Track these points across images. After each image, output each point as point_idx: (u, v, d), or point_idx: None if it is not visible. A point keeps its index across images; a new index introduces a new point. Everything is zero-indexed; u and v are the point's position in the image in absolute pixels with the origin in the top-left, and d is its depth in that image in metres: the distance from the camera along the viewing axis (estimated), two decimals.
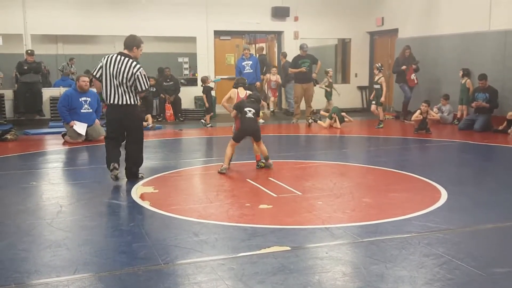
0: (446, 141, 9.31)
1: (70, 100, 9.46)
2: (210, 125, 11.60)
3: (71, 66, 15.31)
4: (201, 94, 13.71)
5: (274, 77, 13.20)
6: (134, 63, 5.94)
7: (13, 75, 13.41)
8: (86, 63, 14.48)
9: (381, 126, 11.06)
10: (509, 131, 9.60)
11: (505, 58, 10.62)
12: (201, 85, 12.10)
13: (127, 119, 6.01)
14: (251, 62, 12.28)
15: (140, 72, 5.91)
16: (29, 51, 11.88)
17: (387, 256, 3.67)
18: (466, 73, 11.12)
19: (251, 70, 12.23)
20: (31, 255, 3.76)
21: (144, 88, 5.97)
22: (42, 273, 3.43)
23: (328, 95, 12.76)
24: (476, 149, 8.65)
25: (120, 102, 5.93)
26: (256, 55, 13.96)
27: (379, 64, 11.70)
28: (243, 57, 12.37)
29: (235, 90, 7.16)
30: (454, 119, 11.44)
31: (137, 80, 5.90)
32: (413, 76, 11.99)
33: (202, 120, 11.88)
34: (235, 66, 12.94)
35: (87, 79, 9.64)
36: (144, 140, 6.35)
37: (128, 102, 5.94)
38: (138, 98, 6.11)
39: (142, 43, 6.17)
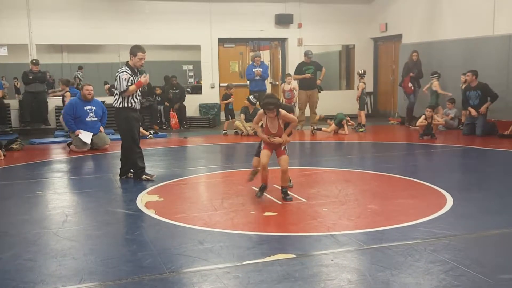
0: (451, 146, 9.27)
1: (75, 108, 9.50)
2: (226, 131, 11.50)
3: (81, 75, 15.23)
4: (205, 101, 13.73)
5: (288, 86, 12.26)
6: (122, 68, 6.44)
7: (15, 85, 13.42)
8: (91, 72, 14.53)
9: (361, 130, 11.30)
10: None
11: (509, 62, 10.60)
12: (225, 92, 12.02)
13: (115, 121, 6.77)
14: (261, 70, 12.34)
15: (119, 75, 6.37)
16: (34, 61, 11.96)
17: (393, 263, 3.66)
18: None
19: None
20: (37, 265, 3.77)
21: (119, 90, 6.37)
22: (48, 282, 3.44)
23: (437, 100, 11.54)
24: (481, 154, 8.61)
25: (114, 105, 6.59)
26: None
27: (362, 71, 11.74)
28: (254, 64, 12.42)
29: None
30: (459, 124, 11.40)
31: (116, 82, 6.42)
32: (409, 84, 11.99)
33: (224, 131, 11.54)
34: (245, 72, 12.87)
35: (91, 87, 9.69)
36: (148, 148, 6.48)
37: (116, 105, 6.52)
38: (124, 101, 6.42)
39: (140, 51, 6.42)
